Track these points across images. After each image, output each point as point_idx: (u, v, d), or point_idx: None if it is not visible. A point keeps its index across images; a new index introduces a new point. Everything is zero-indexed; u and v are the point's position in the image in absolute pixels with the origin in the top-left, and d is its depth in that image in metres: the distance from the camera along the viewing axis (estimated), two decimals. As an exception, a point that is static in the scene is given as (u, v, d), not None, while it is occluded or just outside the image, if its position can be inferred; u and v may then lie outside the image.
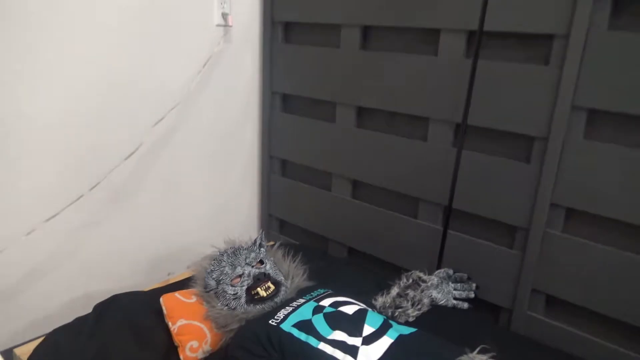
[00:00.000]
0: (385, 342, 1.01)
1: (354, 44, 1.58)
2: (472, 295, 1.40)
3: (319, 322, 1.06)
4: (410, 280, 1.35)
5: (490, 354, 1.01)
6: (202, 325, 1.19)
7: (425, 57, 1.43)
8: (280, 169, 1.93)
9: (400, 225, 1.58)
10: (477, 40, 1.28)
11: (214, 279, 1.22)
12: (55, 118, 1.31)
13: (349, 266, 1.63)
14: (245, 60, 1.79)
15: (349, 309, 1.10)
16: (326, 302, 1.12)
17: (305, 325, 1.06)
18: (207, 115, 1.70)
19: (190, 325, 1.18)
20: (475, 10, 1.28)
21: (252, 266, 1.22)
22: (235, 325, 1.16)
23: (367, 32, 1.57)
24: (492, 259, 1.41)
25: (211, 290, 1.22)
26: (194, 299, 1.24)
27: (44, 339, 1.14)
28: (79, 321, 1.20)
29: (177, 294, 1.25)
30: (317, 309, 1.10)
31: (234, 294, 1.17)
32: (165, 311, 1.20)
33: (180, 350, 1.16)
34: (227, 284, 1.18)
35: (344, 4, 1.56)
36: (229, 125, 1.80)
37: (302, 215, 1.88)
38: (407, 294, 1.31)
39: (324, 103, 1.72)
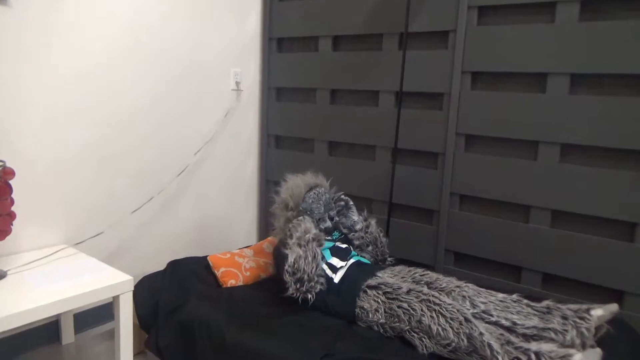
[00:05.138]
0: (350, 262, 1.73)
1: (325, 101, 2.40)
2: None
3: (326, 252, 1.76)
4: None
5: (403, 266, 1.73)
6: (236, 271, 1.87)
7: (371, 108, 2.26)
8: (273, 189, 2.67)
9: (360, 219, 2.33)
10: (400, 97, 2.13)
11: (309, 204, 1.84)
12: (133, 150, 2.03)
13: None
14: (250, 112, 2.58)
15: (342, 246, 1.82)
16: (328, 244, 1.82)
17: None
18: (224, 149, 2.45)
19: (229, 270, 1.86)
20: (397, 79, 2.14)
21: (331, 220, 1.88)
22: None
23: (334, 93, 2.40)
24: (419, 234, 2.17)
25: (302, 209, 1.82)
26: (228, 256, 1.92)
27: (141, 279, 1.79)
28: (159, 272, 1.85)
29: (217, 255, 1.93)
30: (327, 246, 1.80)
31: (325, 228, 1.83)
32: (212, 264, 1.88)
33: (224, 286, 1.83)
34: (319, 218, 1.83)
35: (318, 75, 2.39)
36: (239, 157, 2.55)
37: (290, 221, 2.60)
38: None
39: (305, 140, 2.51)
